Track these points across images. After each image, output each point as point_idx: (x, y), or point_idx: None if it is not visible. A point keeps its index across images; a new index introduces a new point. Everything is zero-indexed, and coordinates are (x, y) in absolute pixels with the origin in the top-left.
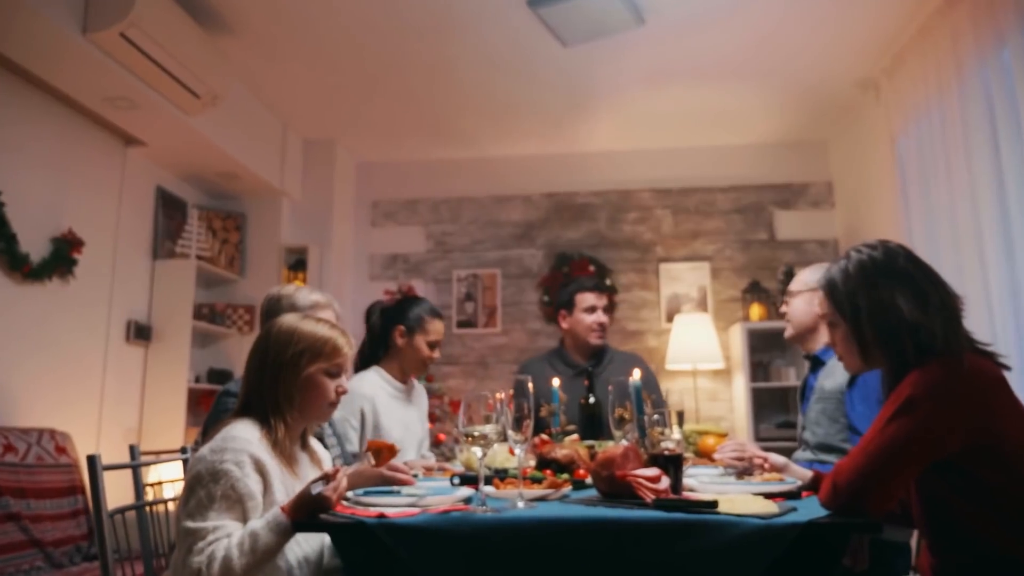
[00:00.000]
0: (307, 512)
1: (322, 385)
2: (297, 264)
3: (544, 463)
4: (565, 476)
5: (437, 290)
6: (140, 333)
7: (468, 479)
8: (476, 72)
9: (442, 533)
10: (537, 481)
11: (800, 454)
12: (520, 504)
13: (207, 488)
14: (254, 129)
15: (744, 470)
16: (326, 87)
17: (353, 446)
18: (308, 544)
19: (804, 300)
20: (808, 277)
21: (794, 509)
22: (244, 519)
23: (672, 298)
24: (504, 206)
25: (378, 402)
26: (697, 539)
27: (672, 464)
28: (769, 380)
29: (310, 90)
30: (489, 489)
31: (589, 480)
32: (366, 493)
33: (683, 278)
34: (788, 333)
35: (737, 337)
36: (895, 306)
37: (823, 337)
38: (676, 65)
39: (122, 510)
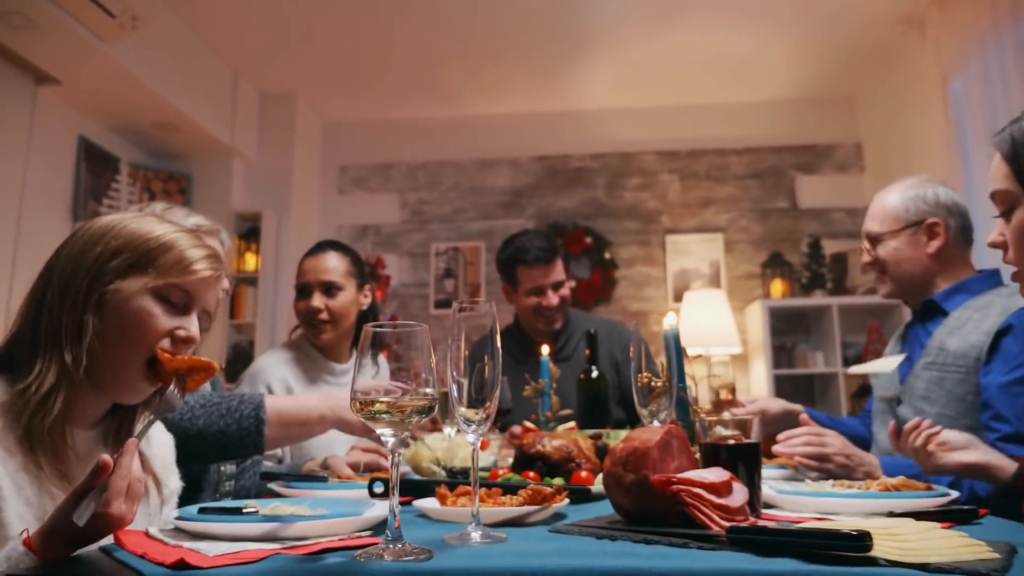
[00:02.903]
0: (69, 546)
1: (144, 314)
2: (250, 233)
3: (525, 461)
4: (558, 481)
5: (413, 265)
6: None
7: (408, 487)
8: (456, 11)
9: None
10: (511, 491)
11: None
12: (473, 535)
13: None
14: (197, 74)
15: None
16: (283, 29)
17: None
18: None
19: (904, 241)
20: (900, 201)
21: (1013, 549)
22: None
23: (680, 274)
24: (489, 171)
25: (292, 380)
26: None
27: (745, 462)
28: (794, 366)
29: (265, 32)
30: (428, 504)
31: (598, 488)
32: (202, 510)
33: (693, 251)
34: (886, 291)
35: (756, 317)
36: None
37: (942, 281)
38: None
39: None
